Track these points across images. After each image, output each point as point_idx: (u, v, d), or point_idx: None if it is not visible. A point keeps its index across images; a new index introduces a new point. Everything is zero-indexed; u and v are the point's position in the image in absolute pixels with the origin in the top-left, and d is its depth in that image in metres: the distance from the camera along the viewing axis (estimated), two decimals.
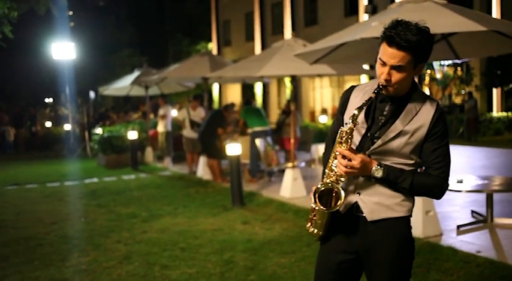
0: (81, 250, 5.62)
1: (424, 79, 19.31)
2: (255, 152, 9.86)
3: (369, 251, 2.25)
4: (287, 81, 24.68)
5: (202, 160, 10.53)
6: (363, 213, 2.25)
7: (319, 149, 10.98)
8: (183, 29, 32.27)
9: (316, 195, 2.23)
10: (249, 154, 9.89)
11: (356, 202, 2.26)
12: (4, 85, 23.51)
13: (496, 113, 18.45)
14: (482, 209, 6.31)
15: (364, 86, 2.34)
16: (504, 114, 17.91)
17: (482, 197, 6.62)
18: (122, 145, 13.25)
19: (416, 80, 2.33)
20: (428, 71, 19.17)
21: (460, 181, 6.02)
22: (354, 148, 2.24)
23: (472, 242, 5.31)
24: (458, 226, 5.82)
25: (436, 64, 18.61)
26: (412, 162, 2.24)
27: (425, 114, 2.20)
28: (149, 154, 13.87)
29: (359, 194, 2.26)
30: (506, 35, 5.46)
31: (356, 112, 2.17)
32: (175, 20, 32.18)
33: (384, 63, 2.14)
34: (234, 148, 7.66)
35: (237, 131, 10.79)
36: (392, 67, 2.12)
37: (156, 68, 16.56)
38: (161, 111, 13.02)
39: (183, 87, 15.99)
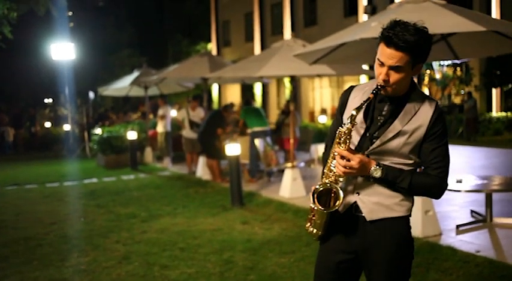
0: (80, 250, 5.63)
1: (424, 79, 19.31)
2: (254, 152, 9.86)
3: (368, 251, 2.26)
4: (286, 81, 24.69)
5: (202, 160, 10.53)
6: (362, 213, 2.25)
7: (319, 149, 10.99)
8: (182, 29, 32.28)
9: (315, 195, 2.23)
10: (249, 154, 9.89)
11: (355, 201, 2.26)
12: (4, 86, 23.50)
13: (496, 113, 18.47)
14: (482, 209, 6.31)
15: (363, 86, 2.35)
16: (503, 114, 17.93)
17: (481, 197, 6.62)
18: (121, 145, 13.25)
19: (415, 80, 2.33)
20: (428, 71, 19.18)
21: (460, 181, 6.02)
22: (353, 147, 2.25)
23: (472, 242, 5.31)
24: (458, 226, 5.83)
25: (435, 64, 18.62)
26: (411, 162, 2.24)
27: (424, 114, 2.20)
28: (148, 154, 13.87)
29: (358, 194, 2.26)
30: (505, 35, 5.46)
31: (354, 113, 2.17)
32: (175, 20, 32.20)
33: (382, 64, 2.14)
34: (233, 148, 7.66)
35: (236, 131, 10.80)
36: (391, 68, 2.12)
37: (156, 68, 16.58)
38: (160, 112, 13.03)
39: (182, 88, 16.00)
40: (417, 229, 5.44)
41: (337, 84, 24.10)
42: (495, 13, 17.78)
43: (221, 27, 32.48)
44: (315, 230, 2.33)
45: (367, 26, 5.52)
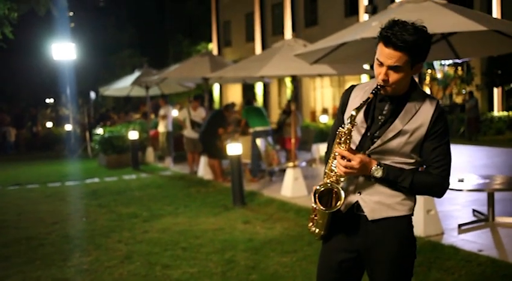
0: (82, 249, 5.63)
1: (425, 79, 19.30)
2: (256, 152, 9.87)
3: (370, 250, 2.26)
4: (287, 81, 24.68)
5: (203, 160, 10.54)
6: (363, 212, 2.25)
7: (320, 148, 11.00)
8: (183, 29, 32.27)
9: (316, 195, 2.23)
10: (250, 153, 9.89)
11: (357, 201, 2.26)
12: (5, 86, 23.52)
13: (497, 112, 18.44)
14: (484, 208, 6.31)
15: (364, 85, 2.34)
16: (505, 113, 17.90)
17: (483, 196, 6.62)
18: (123, 145, 13.26)
19: (416, 79, 2.32)
20: (429, 71, 19.17)
21: (461, 180, 6.02)
22: (354, 147, 2.25)
23: (474, 241, 5.31)
24: (460, 225, 5.82)
25: (436, 64, 18.61)
26: (412, 161, 2.23)
27: (425, 113, 2.19)
28: (150, 154, 13.88)
29: (360, 193, 2.26)
30: (506, 34, 5.46)
31: (354, 113, 2.17)
32: (176, 20, 32.19)
33: (381, 64, 2.14)
34: (234, 148, 7.67)
35: (237, 131, 10.80)
36: (390, 67, 2.11)
37: (157, 68, 16.59)
38: (162, 112, 13.04)
39: (183, 88, 16.00)
40: (419, 228, 5.43)
41: (338, 84, 24.09)
42: (496, 12, 17.76)
43: (222, 28, 32.47)
44: (317, 230, 2.34)
45: (367, 25, 5.52)
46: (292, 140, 8.68)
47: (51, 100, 29.11)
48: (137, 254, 5.33)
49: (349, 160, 2.16)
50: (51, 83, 22.63)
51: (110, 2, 29.65)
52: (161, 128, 13.10)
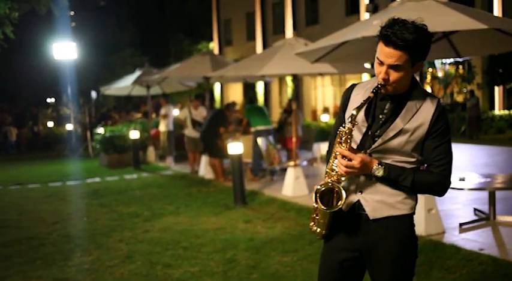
0: (83, 249, 5.63)
1: (426, 77, 19.28)
2: (257, 151, 9.86)
3: (371, 249, 2.25)
4: (289, 80, 24.68)
5: (204, 159, 10.54)
6: (365, 211, 2.24)
7: (321, 147, 11.00)
8: (184, 28, 32.27)
9: (318, 195, 2.23)
10: (251, 152, 9.89)
11: (358, 200, 2.26)
12: (6, 86, 23.51)
13: (498, 111, 18.43)
14: (485, 207, 6.30)
15: (365, 84, 2.34)
16: (506, 112, 17.89)
17: (484, 195, 6.60)
18: (124, 145, 13.26)
19: (417, 78, 2.32)
20: (430, 70, 19.15)
21: (462, 179, 6.01)
22: (355, 146, 2.24)
23: (475, 240, 5.30)
24: (461, 224, 5.82)
25: (437, 62, 18.59)
26: (413, 160, 2.23)
27: (426, 111, 2.19)
28: (151, 153, 13.88)
29: (361, 192, 2.26)
30: (507, 33, 5.45)
31: (354, 112, 2.16)
32: (177, 19, 32.18)
33: (381, 63, 2.13)
34: (235, 147, 7.66)
35: (238, 130, 10.80)
36: (390, 66, 2.10)
37: (158, 67, 16.57)
38: (163, 111, 13.04)
39: (184, 87, 16.01)
40: (420, 227, 5.42)
41: (339, 83, 24.08)
42: (497, 11, 17.74)
43: (223, 27, 32.46)
44: (318, 229, 2.33)
45: (368, 24, 5.51)
46: (293, 139, 8.67)
47: (52, 100, 29.11)
48: (138, 254, 5.33)
49: (350, 160, 2.16)
50: (52, 82, 22.63)
51: (110, 1, 29.63)
52: (162, 127, 13.10)
